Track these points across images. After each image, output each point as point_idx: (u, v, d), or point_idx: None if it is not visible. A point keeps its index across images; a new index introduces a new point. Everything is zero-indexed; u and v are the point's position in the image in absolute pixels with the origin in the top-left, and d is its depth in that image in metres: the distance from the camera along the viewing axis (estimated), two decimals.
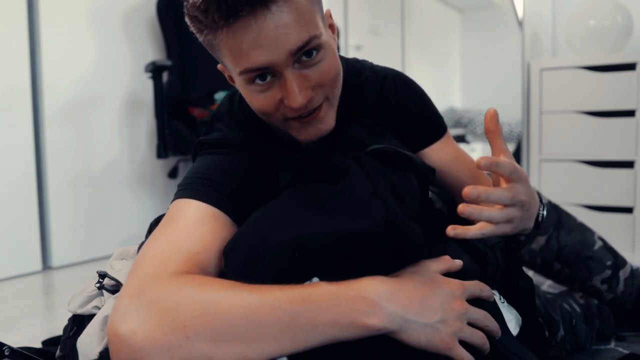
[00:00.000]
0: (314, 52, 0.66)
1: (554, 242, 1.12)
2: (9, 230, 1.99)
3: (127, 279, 0.60)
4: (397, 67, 3.68)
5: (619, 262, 1.13)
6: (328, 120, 0.72)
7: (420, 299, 0.60)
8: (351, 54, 3.19)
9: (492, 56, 4.26)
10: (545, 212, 0.74)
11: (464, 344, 0.61)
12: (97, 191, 2.27)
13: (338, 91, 0.73)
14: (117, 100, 2.33)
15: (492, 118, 0.67)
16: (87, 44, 2.23)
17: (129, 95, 2.37)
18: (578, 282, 1.12)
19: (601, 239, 1.15)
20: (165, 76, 2.28)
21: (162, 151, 2.21)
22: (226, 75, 0.76)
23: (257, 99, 0.69)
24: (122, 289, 0.59)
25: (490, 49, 4.29)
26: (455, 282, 0.64)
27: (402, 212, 0.64)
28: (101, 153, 2.29)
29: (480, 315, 0.63)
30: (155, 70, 2.16)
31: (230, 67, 0.68)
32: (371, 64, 0.88)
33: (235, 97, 0.83)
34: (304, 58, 0.66)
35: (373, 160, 0.72)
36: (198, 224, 0.66)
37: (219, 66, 0.74)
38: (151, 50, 2.45)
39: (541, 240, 1.12)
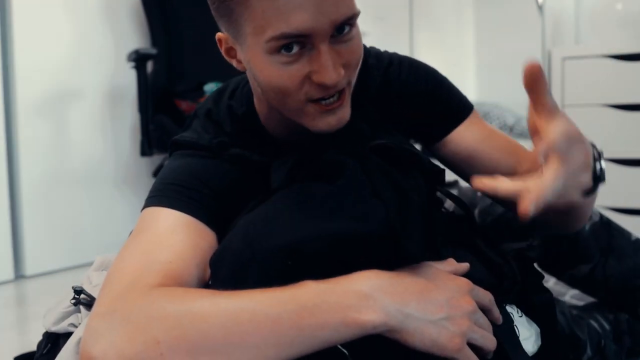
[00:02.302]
0: (347, 28, 0.66)
1: (600, 271, 1.05)
2: None
3: (98, 296, 0.61)
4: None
5: None
6: (348, 108, 0.71)
7: (421, 292, 0.58)
8: None
9: (509, 44, 4.24)
10: (603, 164, 0.66)
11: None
12: (75, 192, 2.27)
13: (356, 76, 0.72)
14: (97, 92, 2.33)
15: (533, 72, 0.58)
16: (63, 29, 2.22)
17: (110, 86, 2.37)
18: (621, 312, 1.09)
19: None
20: (149, 66, 2.27)
21: (147, 148, 2.21)
22: (223, 49, 0.74)
23: (278, 72, 0.66)
24: (93, 308, 0.60)
25: (507, 36, 4.27)
26: (461, 279, 0.63)
27: (404, 213, 0.64)
28: (79, 150, 2.28)
29: (485, 323, 0.62)
30: (138, 59, 2.15)
31: (254, 32, 0.65)
32: (377, 50, 0.87)
33: (223, 96, 0.81)
34: (337, 34, 0.66)
35: (375, 157, 0.72)
36: (169, 233, 0.66)
37: (219, 34, 0.73)
38: (134, 37, 2.44)
39: (584, 269, 1.05)
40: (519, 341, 0.68)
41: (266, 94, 0.72)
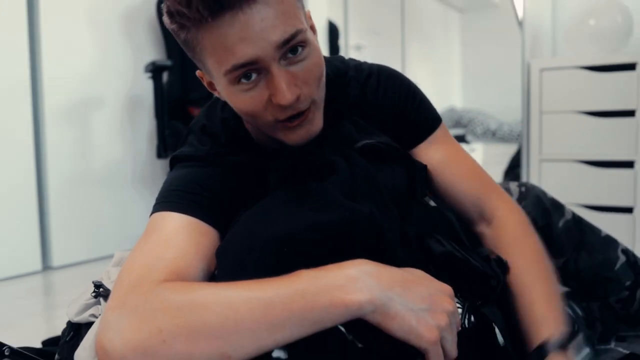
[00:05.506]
0: (300, 49, 0.65)
1: (572, 265, 1.04)
2: (8, 230, 1.98)
3: (111, 292, 0.62)
4: (397, 66, 3.67)
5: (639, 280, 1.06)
6: (317, 121, 0.70)
7: (407, 282, 0.57)
8: (351, 54, 3.18)
9: (492, 56, 4.25)
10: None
11: None
12: (97, 191, 2.27)
13: (323, 93, 0.71)
14: (117, 100, 2.33)
15: None
16: (87, 43, 2.22)
17: (129, 95, 2.37)
18: (592, 300, 1.09)
19: (626, 252, 1.05)
20: (165, 76, 2.27)
21: (162, 151, 2.21)
22: (205, 83, 0.74)
23: (242, 99, 0.67)
24: (107, 303, 0.60)
25: (490, 49, 4.27)
26: (445, 285, 0.61)
27: (381, 207, 0.65)
28: (101, 153, 2.28)
29: (455, 332, 0.59)
30: (155, 70, 2.15)
31: (214, 67, 0.66)
32: (357, 62, 0.85)
33: (215, 110, 0.81)
34: (290, 55, 0.65)
35: (360, 158, 0.72)
36: (174, 234, 0.67)
37: (198, 72, 0.73)
38: (151, 50, 2.44)
39: (558, 262, 1.03)
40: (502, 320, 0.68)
41: (242, 116, 0.72)
